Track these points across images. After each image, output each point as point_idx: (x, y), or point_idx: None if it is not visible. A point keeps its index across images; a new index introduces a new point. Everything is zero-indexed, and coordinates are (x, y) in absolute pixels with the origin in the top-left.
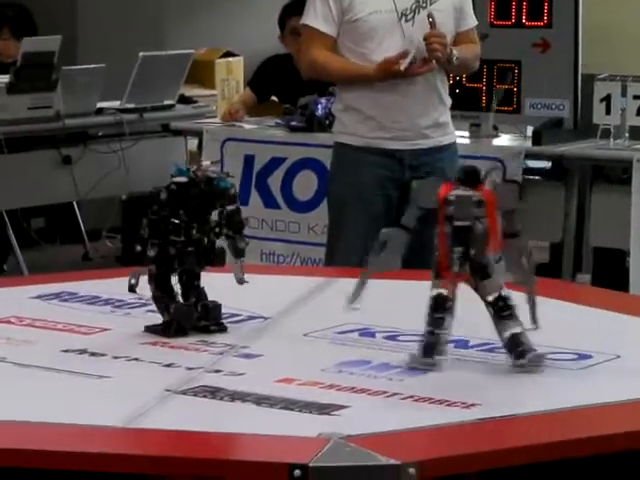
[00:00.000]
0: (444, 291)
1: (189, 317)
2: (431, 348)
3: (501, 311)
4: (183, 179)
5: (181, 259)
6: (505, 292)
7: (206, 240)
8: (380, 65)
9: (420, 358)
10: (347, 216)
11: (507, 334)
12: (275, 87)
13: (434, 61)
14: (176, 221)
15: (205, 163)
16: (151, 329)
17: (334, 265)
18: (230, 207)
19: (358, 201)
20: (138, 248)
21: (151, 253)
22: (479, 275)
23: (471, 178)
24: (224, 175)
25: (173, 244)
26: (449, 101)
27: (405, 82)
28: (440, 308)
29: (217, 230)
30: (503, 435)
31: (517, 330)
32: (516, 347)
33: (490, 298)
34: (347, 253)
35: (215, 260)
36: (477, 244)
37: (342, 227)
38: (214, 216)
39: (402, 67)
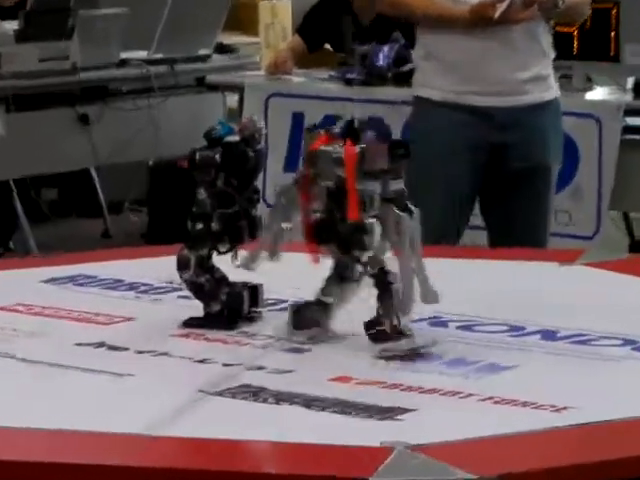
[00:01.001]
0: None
1: (242, 305)
2: (297, 318)
3: (379, 287)
4: (235, 138)
5: (234, 235)
6: (386, 266)
7: (254, 211)
8: (474, 8)
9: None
10: (422, 184)
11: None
12: (329, 33)
13: (536, 5)
14: (228, 190)
15: (248, 118)
16: (193, 323)
17: None
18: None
19: (437, 166)
20: (199, 226)
21: (217, 227)
22: (346, 243)
23: (352, 132)
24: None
25: (221, 217)
26: (552, 53)
27: (501, 28)
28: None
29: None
30: (603, 444)
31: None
32: (371, 328)
33: (370, 271)
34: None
35: (258, 234)
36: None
37: (416, 197)
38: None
39: (496, 14)
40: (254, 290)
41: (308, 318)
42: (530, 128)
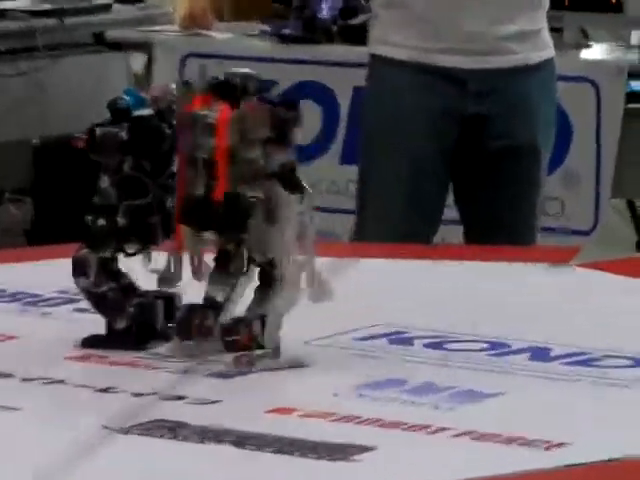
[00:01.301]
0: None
1: (157, 319)
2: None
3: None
4: (147, 111)
5: (144, 233)
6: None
7: (169, 202)
8: None
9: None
10: (382, 164)
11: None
12: None
13: None
14: (139, 176)
15: (163, 85)
16: (94, 342)
17: (364, 235)
18: None
19: (398, 141)
20: (101, 221)
21: (123, 223)
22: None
23: (226, 91)
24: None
25: (129, 211)
26: (547, 3)
27: None
28: None
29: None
30: None
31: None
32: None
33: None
34: (379, 217)
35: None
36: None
37: (374, 180)
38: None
39: None
40: (169, 301)
41: (197, 324)
42: (513, 97)
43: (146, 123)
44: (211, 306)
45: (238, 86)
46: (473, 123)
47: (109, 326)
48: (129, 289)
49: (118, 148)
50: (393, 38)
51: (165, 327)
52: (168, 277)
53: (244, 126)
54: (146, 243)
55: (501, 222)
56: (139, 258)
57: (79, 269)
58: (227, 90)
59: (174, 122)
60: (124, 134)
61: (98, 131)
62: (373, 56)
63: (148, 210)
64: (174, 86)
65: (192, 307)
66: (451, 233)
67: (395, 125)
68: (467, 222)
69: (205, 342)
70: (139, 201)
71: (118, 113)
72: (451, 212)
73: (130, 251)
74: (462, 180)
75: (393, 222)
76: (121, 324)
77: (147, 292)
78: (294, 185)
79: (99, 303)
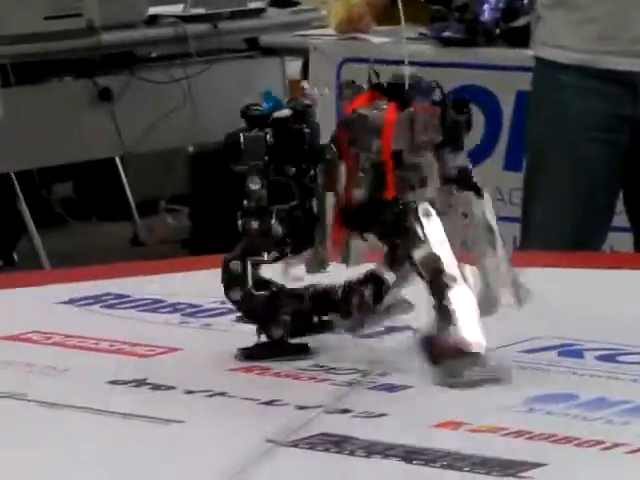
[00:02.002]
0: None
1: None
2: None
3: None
4: (285, 113)
5: (300, 237)
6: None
7: (314, 206)
8: None
9: None
10: (548, 170)
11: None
12: None
13: None
14: (284, 180)
15: (306, 86)
16: (253, 354)
17: (529, 243)
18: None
19: (564, 149)
20: (254, 225)
21: (278, 226)
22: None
23: (394, 92)
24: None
25: (280, 215)
26: None
27: None
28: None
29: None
30: None
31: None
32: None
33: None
34: (544, 225)
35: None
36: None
37: (540, 187)
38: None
39: None
40: (321, 298)
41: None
42: None
43: (286, 126)
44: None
45: (406, 87)
46: None
47: (266, 335)
48: (280, 295)
49: (263, 151)
50: (558, 40)
51: (319, 329)
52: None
53: (413, 129)
54: (300, 247)
55: None
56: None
57: (232, 280)
58: (395, 91)
59: (312, 123)
60: (269, 137)
61: (243, 137)
62: (538, 60)
63: (296, 214)
64: (308, 85)
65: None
66: (621, 241)
67: (562, 132)
68: (638, 230)
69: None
70: (287, 205)
71: (253, 119)
72: (621, 219)
73: (289, 255)
74: (633, 187)
75: (561, 230)
76: (277, 333)
77: (302, 296)
78: (474, 189)
79: (252, 313)
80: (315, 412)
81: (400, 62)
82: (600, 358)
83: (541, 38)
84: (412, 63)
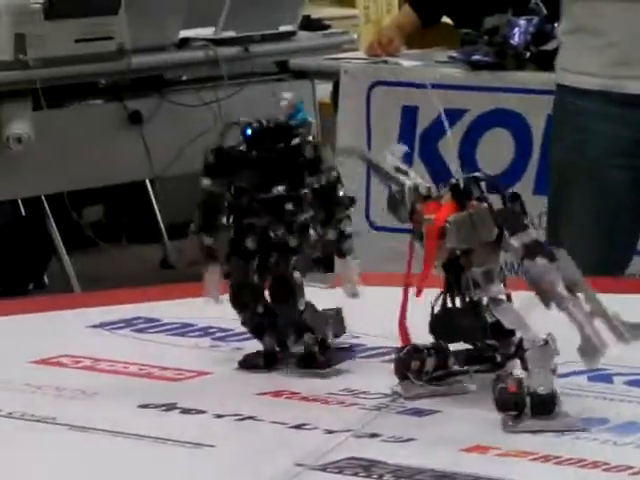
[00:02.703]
0: None
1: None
2: None
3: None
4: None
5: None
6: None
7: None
8: None
9: None
10: (571, 196)
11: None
12: (447, 3)
13: None
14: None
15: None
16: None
17: None
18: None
19: (587, 174)
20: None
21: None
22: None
23: (457, 193)
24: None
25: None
26: None
27: None
28: None
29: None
30: None
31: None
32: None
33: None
34: (569, 249)
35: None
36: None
37: (564, 211)
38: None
39: None
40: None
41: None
42: None
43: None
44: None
45: (462, 188)
46: None
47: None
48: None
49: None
50: (579, 66)
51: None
52: None
53: (470, 229)
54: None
55: None
56: None
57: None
58: (456, 191)
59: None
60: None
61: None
62: (558, 85)
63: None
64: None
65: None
66: None
67: (584, 157)
68: None
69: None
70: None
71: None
72: None
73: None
74: None
75: (586, 255)
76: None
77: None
78: (548, 256)
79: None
80: (344, 436)
81: (431, 86)
82: (629, 383)
83: (562, 64)
84: (442, 86)
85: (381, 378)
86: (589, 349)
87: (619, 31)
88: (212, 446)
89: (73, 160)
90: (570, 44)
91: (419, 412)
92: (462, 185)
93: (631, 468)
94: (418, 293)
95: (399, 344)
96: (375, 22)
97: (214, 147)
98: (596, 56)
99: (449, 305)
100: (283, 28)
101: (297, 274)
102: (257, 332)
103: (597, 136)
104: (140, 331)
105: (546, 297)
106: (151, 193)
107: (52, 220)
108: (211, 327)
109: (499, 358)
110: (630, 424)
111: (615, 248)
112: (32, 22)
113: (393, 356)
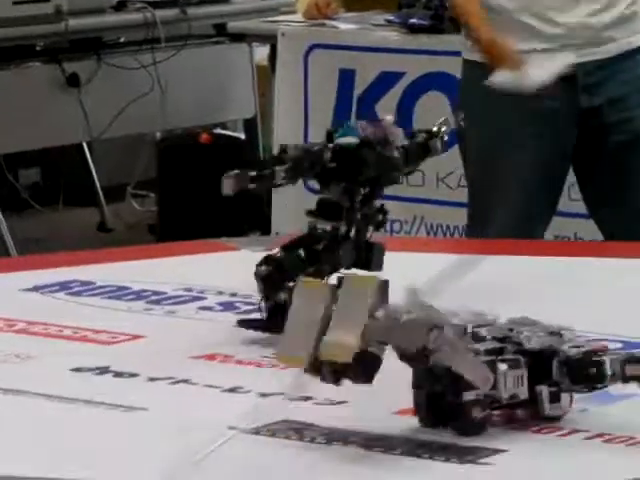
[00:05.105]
0: None
1: None
2: None
3: None
4: (352, 140)
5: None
6: None
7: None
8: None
9: None
10: (495, 174)
11: None
12: None
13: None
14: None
15: (388, 118)
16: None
17: (479, 233)
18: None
19: (509, 150)
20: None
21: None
22: None
23: None
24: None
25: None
26: None
27: None
28: None
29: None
30: None
31: None
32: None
33: None
34: (502, 216)
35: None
36: None
37: (488, 187)
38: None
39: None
40: None
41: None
42: (621, 85)
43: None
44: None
45: None
46: (587, 117)
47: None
48: None
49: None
50: None
51: None
52: None
53: None
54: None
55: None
56: None
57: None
58: None
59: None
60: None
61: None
62: (467, 62)
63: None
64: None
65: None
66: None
67: (504, 133)
68: (596, 217)
69: None
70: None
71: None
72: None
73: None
74: (586, 177)
75: (514, 216)
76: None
77: None
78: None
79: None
80: (277, 399)
81: (367, 49)
82: None
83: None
84: (379, 49)
85: None
86: None
87: (523, 8)
88: (145, 409)
89: (10, 122)
90: None
91: None
92: None
93: (560, 429)
94: None
95: None
96: None
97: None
98: (506, 34)
99: None
100: None
101: None
102: None
103: (513, 111)
104: (75, 294)
105: None
106: (88, 156)
107: None
108: (145, 290)
109: None
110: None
111: (539, 210)
112: None
113: None
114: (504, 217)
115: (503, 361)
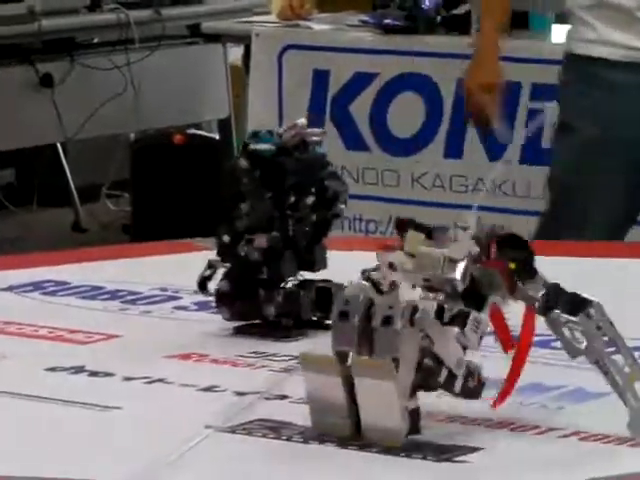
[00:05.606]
0: None
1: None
2: None
3: None
4: (266, 147)
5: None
6: None
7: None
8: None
9: None
10: (600, 169)
11: None
12: None
13: None
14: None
15: (301, 121)
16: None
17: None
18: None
19: (613, 145)
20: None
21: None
22: None
23: None
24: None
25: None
26: None
27: None
28: None
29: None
30: None
31: None
32: None
33: None
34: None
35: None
36: None
37: (581, 190)
38: (309, 200)
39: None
40: (322, 292)
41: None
42: None
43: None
44: None
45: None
46: None
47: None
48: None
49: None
50: (605, 37)
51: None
52: None
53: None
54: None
55: None
56: None
57: None
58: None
59: (298, 156)
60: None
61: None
62: (575, 57)
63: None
64: (304, 120)
65: None
66: None
67: (609, 130)
68: None
69: None
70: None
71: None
72: None
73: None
74: None
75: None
76: (270, 312)
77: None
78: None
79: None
80: (253, 398)
81: (341, 50)
82: (535, 344)
83: (583, 34)
84: (353, 50)
85: (291, 341)
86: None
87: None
88: (120, 408)
89: None
90: (589, 18)
91: None
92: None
93: (537, 427)
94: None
95: None
96: None
97: None
98: (622, 28)
99: None
100: None
101: None
102: None
103: (627, 106)
104: (50, 294)
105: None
106: (62, 156)
107: None
108: (120, 290)
109: None
110: (535, 385)
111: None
112: None
113: None
114: (601, 217)
115: None
